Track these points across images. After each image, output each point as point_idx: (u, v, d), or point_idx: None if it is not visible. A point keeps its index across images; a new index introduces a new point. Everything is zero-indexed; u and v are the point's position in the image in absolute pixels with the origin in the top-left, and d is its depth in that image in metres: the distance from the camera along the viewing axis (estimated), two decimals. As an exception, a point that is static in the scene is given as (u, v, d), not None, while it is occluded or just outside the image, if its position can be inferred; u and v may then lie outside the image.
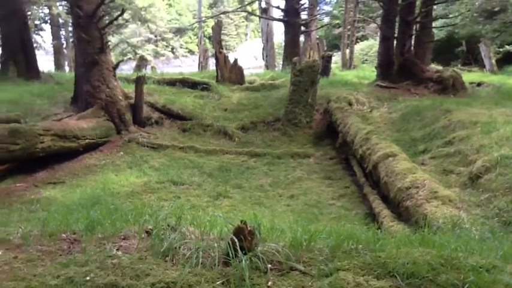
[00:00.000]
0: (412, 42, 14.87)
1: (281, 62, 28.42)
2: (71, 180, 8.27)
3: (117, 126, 10.29)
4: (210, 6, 54.19)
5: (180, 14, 64.04)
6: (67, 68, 24.79)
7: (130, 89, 11.07)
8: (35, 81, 13.00)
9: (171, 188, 7.82)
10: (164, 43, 51.83)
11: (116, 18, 10.41)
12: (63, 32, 28.24)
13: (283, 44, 24.77)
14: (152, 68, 22.63)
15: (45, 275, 2.17)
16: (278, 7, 21.17)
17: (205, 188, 7.92)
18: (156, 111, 11.25)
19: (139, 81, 10.52)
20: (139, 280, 2.13)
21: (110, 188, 7.74)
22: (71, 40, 27.64)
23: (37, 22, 27.04)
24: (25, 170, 8.42)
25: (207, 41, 39.30)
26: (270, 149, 10.02)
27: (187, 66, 43.68)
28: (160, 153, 9.65)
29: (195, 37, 55.79)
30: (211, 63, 25.81)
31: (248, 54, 49.17)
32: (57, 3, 24.65)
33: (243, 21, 66.92)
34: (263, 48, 26.39)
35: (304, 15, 22.79)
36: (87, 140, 9.33)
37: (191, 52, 60.26)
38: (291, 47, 19.90)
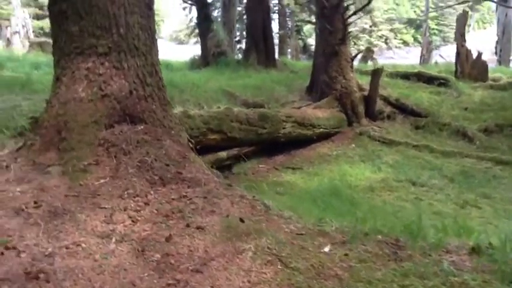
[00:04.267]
0: None
1: (515, 57, 25.04)
2: (308, 168, 8.52)
3: (348, 118, 10.28)
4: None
5: (397, 4, 61.89)
6: (288, 56, 26.01)
7: (364, 81, 10.95)
8: (272, 69, 13.86)
9: (410, 189, 7.39)
10: (379, 33, 50.80)
11: (361, 9, 10.37)
12: (289, 22, 29.73)
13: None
14: (373, 59, 22.23)
15: (388, 281, 2.07)
16: (528, -6, 18.51)
17: (447, 193, 7.27)
18: (388, 105, 10.87)
19: (376, 74, 10.30)
20: (496, 310, 1.88)
21: (347, 180, 7.71)
22: (294, 30, 29.07)
23: (268, 12, 29.03)
24: (266, 153, 8.99)
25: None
26: (519, 158, 8.77)
27: (400, 58, 41.81)
28: (392, 149, 9.27)
29: (411, 28, 53.39)
30: (434, 56, 24.22)
31: (470, 47, 44.76)
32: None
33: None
34: (497, 42, 23.55)
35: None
36: (321, 129, 9.54)
37: (405, 43, 57.83)
38: (541, 41, 17.23)
